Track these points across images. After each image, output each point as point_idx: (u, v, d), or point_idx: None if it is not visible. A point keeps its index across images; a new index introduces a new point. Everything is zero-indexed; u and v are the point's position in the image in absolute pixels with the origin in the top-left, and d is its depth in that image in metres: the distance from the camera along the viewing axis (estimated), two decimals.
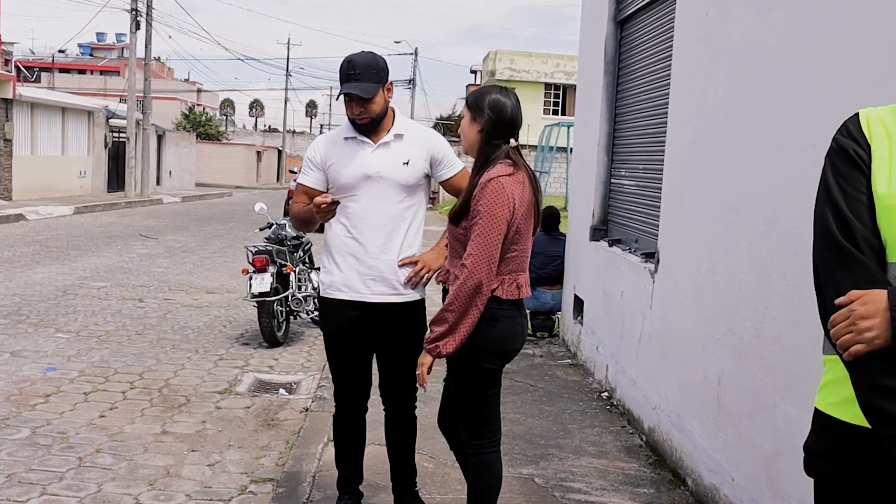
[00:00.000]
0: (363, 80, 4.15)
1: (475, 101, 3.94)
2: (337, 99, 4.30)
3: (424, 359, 3.80)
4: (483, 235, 3.67)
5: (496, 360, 3.89)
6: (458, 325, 3.69)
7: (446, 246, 4.07)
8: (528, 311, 9.53)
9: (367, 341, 4.41)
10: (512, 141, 3.88)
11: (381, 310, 4.28)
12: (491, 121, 3.86)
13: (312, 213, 4.15)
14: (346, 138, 4.35)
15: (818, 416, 2.17)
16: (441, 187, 4.61)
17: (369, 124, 4.25)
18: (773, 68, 4.31)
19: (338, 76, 4.27)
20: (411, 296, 4.34)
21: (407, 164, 4.29)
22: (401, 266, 4.27)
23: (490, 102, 3.90)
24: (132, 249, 17.46)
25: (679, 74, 5.92)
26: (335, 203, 4.06)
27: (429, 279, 4.35)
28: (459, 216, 3.87)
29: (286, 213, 4.58)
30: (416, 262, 4.30)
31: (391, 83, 4.30)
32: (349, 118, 4.30)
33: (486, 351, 3.82)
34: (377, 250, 4.25)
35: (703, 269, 5.13)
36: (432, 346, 3.74)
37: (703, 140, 5.31)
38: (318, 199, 4.04)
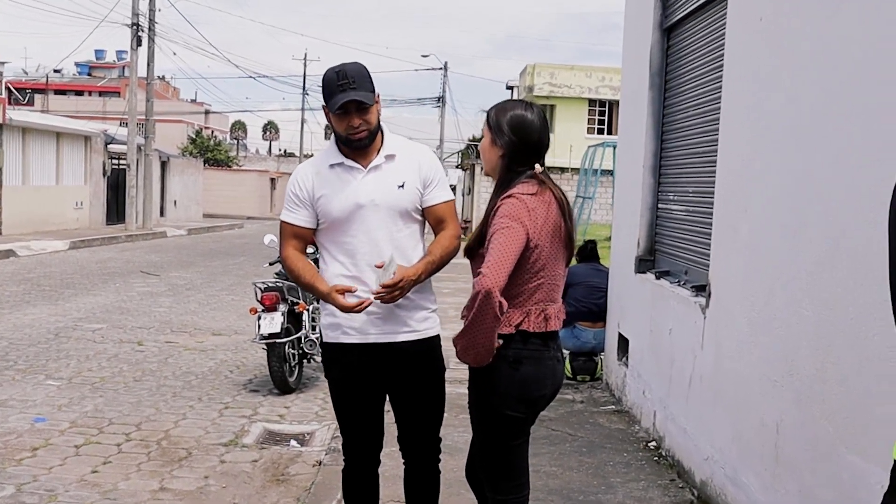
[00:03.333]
0: (360, 89, 4.14)
1: (496, 118, 3.94)
2: (336, 111, 4.17)
3: None
4: (497, 243, 3.65)
5: (520, 408, 3.85)
6: (467, 330, 3.68)
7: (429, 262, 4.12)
8: (567, 352, 9.63)
9: (379, 387, 4.39)
10: (537, 167, 3.88)
11: (393, 350, 4.26)
12: (513, 144, 3.86)
13: (322, 293, 4.20)
14: (331, 165, 4.32)
15: None
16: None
17: (366, 140, 4.23)
18: (839, 74, 4.29)
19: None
20: (425, 331, 4.32)
21: (402, 186, 4.27)
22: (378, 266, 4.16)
23: (512, 122, 3.89)
24: (132, 288, 17.62)
25: (731, 85, 5.91)
26: (364, 303, 4.10)
27: (404, 290, 4.15)
28: (475, 249, 3.88)
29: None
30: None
31: (378, 95, 4.30)
32: (341, 137, 4.26)
33: (509, 397, 3.80)
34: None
35: (759, 302, 5.11)
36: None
37: (759, 158, 5.30)
38: (341, 302, 4.10)
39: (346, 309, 4.07)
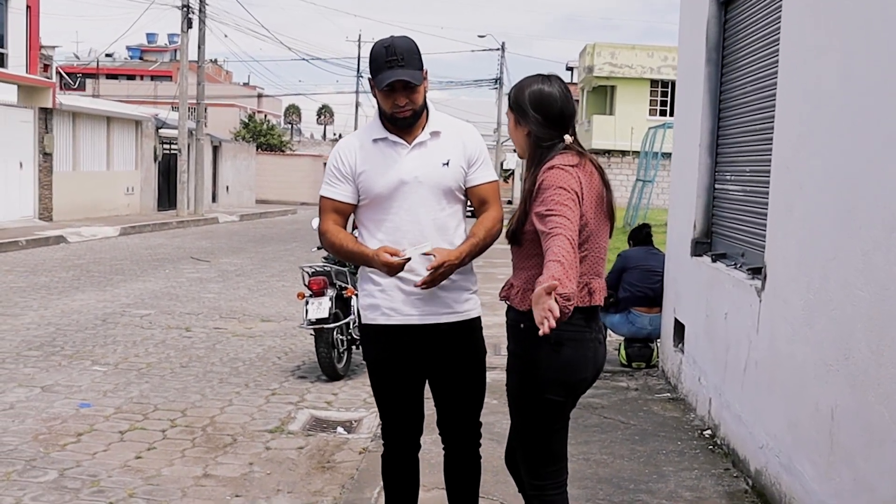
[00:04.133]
0: (408, 67, 4.13)
1: (516, 99, 3.94)
2: (382, 89, 4.17)
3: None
4: (558, 208, 3.58)
5: (560, 392, 3.84)
6: (569, 268, 3.42)
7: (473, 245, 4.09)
8: (622, 338, 9.60)
9: (419, 370, 4.41)
10: (567, 137, 3.87)
11: (434, 332, 4.28)
12: (537, 122, 3.86)
13: (367, 257, 4.16)
14: (375, 140, 4.33)
15: None
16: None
17: (411, 118, 4.24)
18: (894, 50, 4.23)
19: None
20: (467, 313, 4.33)
21: (447, 164, 4.28)
22: (420, 254, 4.14)
23: (532, 98, 3.88)
24: (181, 273, 17.83)
25: (787, 59, 5.85)
26: (407, 259, 4.05)
27: (445, 274, 4.15)
28: (518, 232, 3.87)
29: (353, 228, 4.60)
30: (434, 256, 4.14)
31: (427, 71, 4.29)
32: (385, 113, 4.27)
33: (549, 381, 3.79)
34: (422, 266, 4.20)
35: (815, 284, 5.06)
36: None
37: (814, 135, 5.24)
38: (387, 259, 4.04)
39: (393, 267, 4.04)
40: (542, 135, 3.88)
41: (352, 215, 4.46)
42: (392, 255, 4.08)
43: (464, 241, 4.30)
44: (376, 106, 4.35)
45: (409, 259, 4.06)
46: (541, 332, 3.18)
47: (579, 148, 3.88)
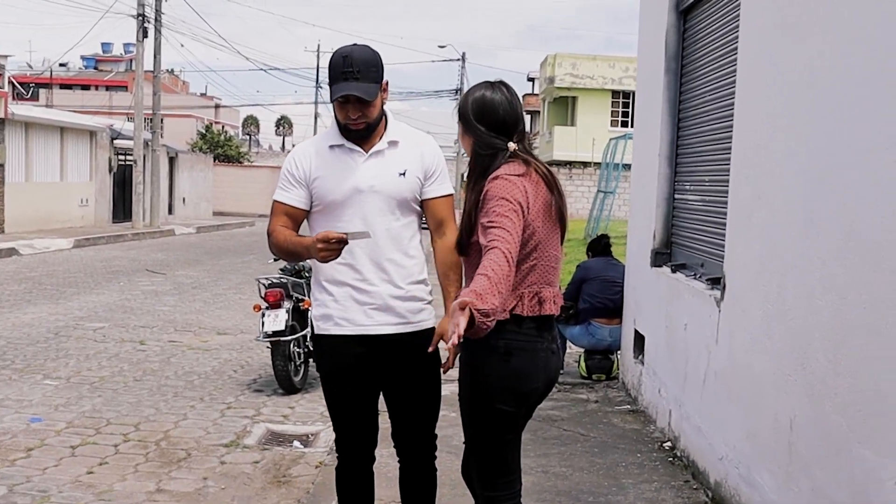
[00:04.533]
0: (363, 80, 4.12)
1: (461, 107, 3.95)
2: (332, 101, 4.20)
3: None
4: (499, 222, 3.60)
5: (511, 402, 3.84)
6: (499, 291, 3.44)
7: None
8: (582, 350, 9.63)
9: (373, 381, 4.40)
10: (511, 144, 3.87)
11: (388, 343, 4.26)
12: (479, 130, 3.87)
13: (305, 247, 4.09)
14: (331, 146, 4.32)
15: None
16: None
17: (365, 131, 4.23)
18: (856, 55, 4.27)
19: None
20: (421, 324, 4.33)
21: (403, 174, 4.27)
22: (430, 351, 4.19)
23: (474, 106, 3.90)
24: (136, 286, 17.70)
25: (745, 68, 5.90)
26: (343, 242, 3.97)
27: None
28: (465, 244, 3.87)
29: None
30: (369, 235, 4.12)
31: (387, 83, 4.28)
32: (339, 123, 4.27)
33: (499, 390, 3.79)
34: (376, 276, 4.22)
35: (773, 294, 5.09)
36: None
37: (772, 145, 5.28)
38: (323, 234, 3.95)
39: (330, 244, 3.94)
40: (484, 142, 3.88)
41: (305, 223, 4.45)
42: (328, 235, 3.98)
43: (445, 296, 4.28)
44: (334, 113, 4.34)
45: (345, 240, 3.95)
46: (446, 347, 3.25)
47: (525, 155, 3.88)
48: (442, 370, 4.24)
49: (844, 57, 4.36)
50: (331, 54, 4.24)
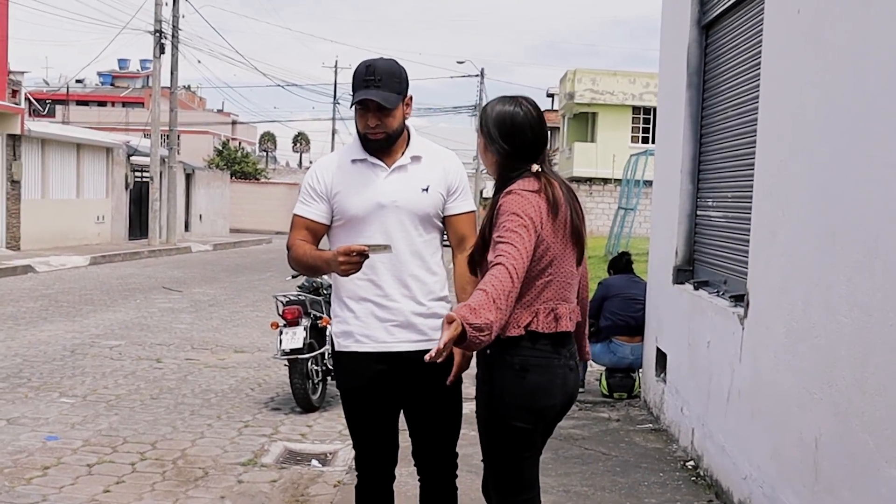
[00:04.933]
0: (384, 89, 4.14)
1: (484, 121, 3.93)
2: (351, 107, 4.24)
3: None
4: (508, 237, 3.61)
5: (528, 418, 3.84)
6: (500, 307, 3.47)
7: None
8: (604, 368, 9.61)
9: (394, 398, 4.40)
10: (534, 167, 3.87)
11: (409, 360, 4.25)
12: (505, 152, 3.86)
13: (325, 261, 4.10)
14: (353, 161, 4.33)
15: None
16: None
17: (384, 142, 4.24)
18: (875, 71, 4.27)
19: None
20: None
21: (426, 190, 4.28)
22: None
23: (501, 123, 3.88)
24: (153, 304, 17.76)
25: (769, 83, 5.90)
26: (365, 255, 3.95)
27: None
28: (478, 260, 3.87)
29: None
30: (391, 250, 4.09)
31: (411, 98, 4.30)
32: (359, 133, 4.30)
33: (515, 406, 3.78)
34: (397, 292, 4.23)
35: (798, 311, 5.08)
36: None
37: (797, 159, 5.28)
38: (345, 248, 3.94)
39: (345, 253, 3.93)
40: (508, 165, 3.89)
41: (325, 239, 4.46)
42: (350, 248, 3.97)
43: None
44: (356, 125, 4.36)
45: (366, 253, 3.94)
46: (426, 358, 3.32)
47: (545, 175, 3.87)
48: (448, 383, 4.22)
49: (867, 72, 4.36)
50: (354, 67, 4.27)
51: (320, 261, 4.18)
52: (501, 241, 3.62)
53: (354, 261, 3.96)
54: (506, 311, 3.47)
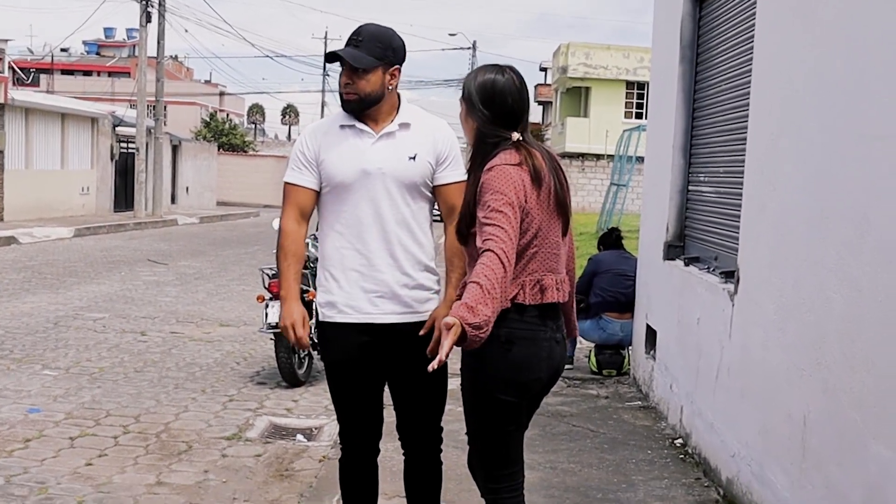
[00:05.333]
0: (361, 49, 4.15)
1: (467, 88, 3.93)
2: (326, 62, 4.28)
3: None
4: (493, 218, 3.61)
5: (512, 392, 3.85)
6: (493, 298, 3.48)
7: (458, 296, 3.92)
8: (592, 345, 9.64)
9: (378, 371, 4.40)
10: (514, 135, 3.86)
11: (394, 332, 4.27)
12: (484, 117, 3.86)
13: (284, 297, 4.36)
14: (342, 126, 4.33)
15: None
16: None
17: (356, 104, 4.23)
18: (868, 43, 4.28)
19: None
20: (427, 314, 4.32)
21: (413, 158, 4.27)
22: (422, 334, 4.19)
23: (481, 89, 3.88)
24: (138, 276, 17.76)
25: (761, 57, 5.90)
26: (302, 346, 4.39)
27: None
28: (465, 233, 3.87)
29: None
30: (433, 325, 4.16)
31: (398, 69, 4.28)
32: (342, 97, 4.31)
33: (500, 380, 3.79)
34: (384, 262, 4.23)
35: (788, 287, 5.10)
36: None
37: (787, 134, 5.29)
38: (297, 328, 4.30)
39: (292, 331, 4.31)
40: (487, 131, 3.88)
41: (315, 211, 4.46)
42: (300, 330, 4.31)
43: (447, 282, 4.33)
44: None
45: (305, 346, 4.42)
46: (429, 368, 3.38)
47: (526, 144, 3.87)
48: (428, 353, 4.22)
49: (857, 46, 4.36)
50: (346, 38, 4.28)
51: (287, 286, 4.39)
52: (488, 222, 3.61)
53: (293, 338, 4.33)
54: (501, 298, 3.49)
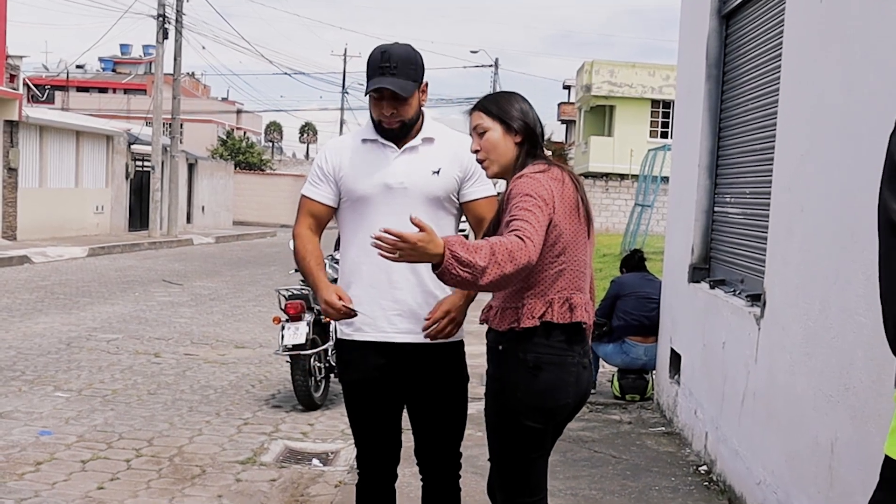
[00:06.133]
0: (399, 76, 4.15)
1: (500, 107, 3.96)
2: (365, 95, 4.26)
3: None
4: (524, 217, 3.60)
5: (539, 418, 3.85)
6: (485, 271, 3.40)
7: None
8: (616, 369, 9.62)
9: (397, 393, 4.40)
10: (548, 152, 3.93)
11: (412, 353, 4.28)
12: (527, 127, 3.92)
13: (315, 284, 4.25)
14: (364, 140, 4.35)
15: (888, 466, 2.15)
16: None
17: (399, 131, 4.26)
18: None
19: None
20: (450, 337, 4.31)
21: (437, 173, 4.28)
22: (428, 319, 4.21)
23: (521, 108, 3.96)
24: (152, 297, 17.82)
25: (789, 75, 5.91)
26: (351, 314, 4.13)
27: (451, 331, 4.28)
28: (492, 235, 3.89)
29: (336, 247, 4.75)
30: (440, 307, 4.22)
31: (426, 84, 4.31)
32: (374, 120, 4.31)
33: (526, 406, 3.80)
34: (403, 279, 4.23)
35: (815, 311, 5.09)
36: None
37: (815, 154, 5.29)
38: (334, 301, 4.11)
39: (334, 308, 4.12)
40: (535, 142, 3.95)
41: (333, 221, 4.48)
42: (340, 298, 4.14)
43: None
44: (369, 110, 4.37)
45: (353, 312, 4.14)
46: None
47: (549, 158, 3.93)
48: (423, 329, 4.21)
49: (888, 65, 4.36)
50: (365, 55, 4.30)
51: (312, 277, 4.30)
52: (514, 218, 3.61)
53: (338, 310, 4.12)
54: (504, 268, 3.38)
